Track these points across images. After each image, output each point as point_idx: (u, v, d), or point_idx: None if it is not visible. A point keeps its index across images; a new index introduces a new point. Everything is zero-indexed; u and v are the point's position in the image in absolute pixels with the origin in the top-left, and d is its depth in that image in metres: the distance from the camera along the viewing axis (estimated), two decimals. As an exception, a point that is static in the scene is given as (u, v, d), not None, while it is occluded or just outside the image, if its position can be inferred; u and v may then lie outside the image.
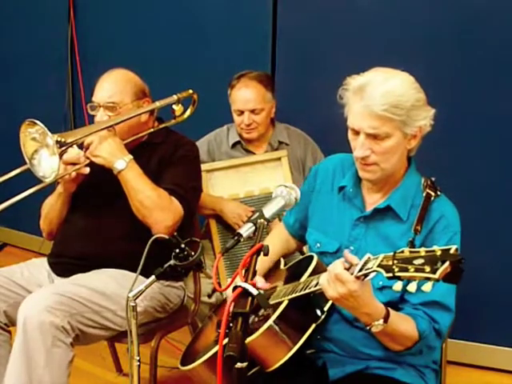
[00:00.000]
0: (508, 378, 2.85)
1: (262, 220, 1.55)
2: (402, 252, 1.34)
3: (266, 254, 1.47)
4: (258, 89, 2.75)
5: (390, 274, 1.32)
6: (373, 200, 1.77)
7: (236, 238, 1.52)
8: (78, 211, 2.31)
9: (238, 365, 1.28)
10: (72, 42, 3.73)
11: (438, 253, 1.28)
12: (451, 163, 2.79)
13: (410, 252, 1.33)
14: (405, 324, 1.61)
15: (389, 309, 1.56)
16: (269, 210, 1.59)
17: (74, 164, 2.17)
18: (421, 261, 1.28)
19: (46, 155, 2.06)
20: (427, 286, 1.25)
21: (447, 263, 1.24)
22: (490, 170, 2.76)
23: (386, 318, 1.54)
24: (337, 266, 1.48)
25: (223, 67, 3.13)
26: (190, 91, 2.44)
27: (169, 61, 3.37)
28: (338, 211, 1.81)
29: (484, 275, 2.82)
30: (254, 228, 1.54)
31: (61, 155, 2.03)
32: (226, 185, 2.76)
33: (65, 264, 2.27)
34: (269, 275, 1.93)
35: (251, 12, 3.16)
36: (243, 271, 1.43)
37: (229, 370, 1.30)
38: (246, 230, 1.53)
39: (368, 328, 1.55)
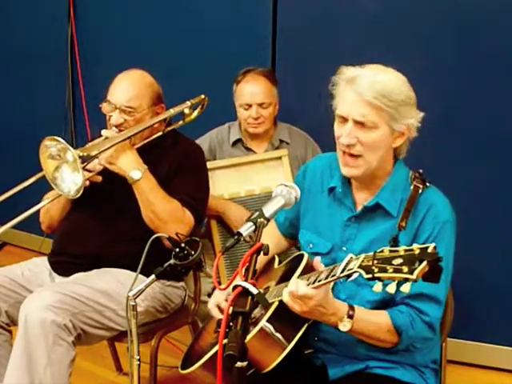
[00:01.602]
0: (509, 378, 2.85)
1: (262, 219, 1.55)
2: (382, 251, 1.34)
3: (266, 254, 1.47)
4: (266, 83, 2.79)
5: (370, 275, 1.31)
6: (362, 199, 1.76)
7: (236, 237, 1.52)
8: (81, 210, 2.30)
9: (238, 364, 1.28)
10: (72, 42, 3.73)
11: (416, 252, 1.27)
12: (451, 163, 2.79)
13: (390, 251, 1.32)
14: (376, 319, 1.62)
15: (355, 306, 1.58)
16: (268, 209, 1.58)
17: (88, 171, 2.16)
18: (399, 260, 1.28)
19: (67, 171, 2.05)
20: (406, 287, 1.25)
21: (424, 263, 1.24)
22: (490, 170, 2.76)
23: (351, 316, 1.56)
24: (293, 286, 1.52)
25: (223, 67, 3.13)
26: (202, 96, 2.44)
27: (169, 60, 3.36)
28: (329, 212, 1.80)
29: (484, 274, 2.82)
30: (253, 227, 1.53)
31: (84, 169, 2.02)
32: (226, 183, 2.76)
33: (66, 263, 2.27)
34: (262, 274, 1.93)
35: (251, 12, 3.16)
36: (243, 270, 1.43)
37: (229, 370, 1.29)
38: (245, 229, 1.52)
39: (337, 328, 1.56)
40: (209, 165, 2.73)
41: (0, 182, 2.27)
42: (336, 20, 2.95)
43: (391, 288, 1.27)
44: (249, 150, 2.87)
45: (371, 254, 1.35)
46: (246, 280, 1.39)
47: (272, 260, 1.97)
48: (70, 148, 1.98)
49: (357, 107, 1.62)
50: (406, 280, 1.25)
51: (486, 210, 2.79)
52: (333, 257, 1.77)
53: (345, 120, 1.66)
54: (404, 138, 1.68)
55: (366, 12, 2.87)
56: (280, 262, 1.96)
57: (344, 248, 1.75)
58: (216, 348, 1.68)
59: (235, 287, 1.37)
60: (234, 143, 2.87)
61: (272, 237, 2.01)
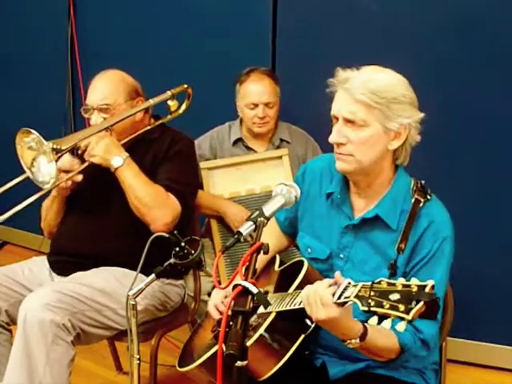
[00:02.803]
0: (508, 377, 2.85)
1: (262, 218, 1.54)
2: (380, 283, 1.31)
3: (266, 253, 1.47)
4: (271, 82, 2.79)
5: (366, 308, 1.29)
6: (360, 206, 1.73)
7: (236, 236, 1.51)
8: (75, 209, 2.32)
9: (238, 363, 1.27)
10: (72, 42, 3.73)
11: (414, 289, 1.24)
12: (452, 164, 2.79)
13: (388, 284, 1.30)
14: (384, 339, 1.57)
15: (367, 327, 1.51)
16: (268, 209, 1.58)
17: (67, 171, 2.18)
18: (396, 296, 1.26)
19: (44, 162, 2.07)
20: (401, 326, 1.23)
21: (421, 304, 1.22)
22: (490, 170, 2.76)
23: (364, 337, 1.50)
24: (321, 289, 1.45)
25: (224, 66, 3.14)
26: (185, 86, 2.44)
27: (169, 59, 3.37)
28: (328, 218, 1.78)
29: (484, 274, 2.82)
30: (254, 226, 1.53)
31: (57, 162, 2.04)
32: (227, 183, 2.76)
33: (64, 262, 2.27)
34: (262, 275, 1.91)
35: (251, 12, 3.16)
36: (243, 269, 1.43)
37: (228, 369, 1.29)
38: (245, 228, 1.52)
39: (344, 343, 1.52)
40: (209, 164, 2.74)
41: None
42: (336, 20, 2.95)
43: (386, 324, 1.26)
44: (249, 149, 2.87)
45: (368, 283, 1.33)
46: (245, 279, 1.38)
47: (273, 260, 1.95)
48: (43, 140, 2.01)
49: (346, 105, 1.61)
50: (402, 319, 1.23)
51: (486, 210, 2.79)
52: (330, 263, 1.76)
53: (337, 120, 1.65)
54: (401, 139, 1.64)
55: (366, 12, 2.86)
56: (281, 263, 1.95)
57: (341, 255, 1.73)
58: (215, 347, 1.68)
59: (235, 286, 1.36)
60: (235, 142, 2.87)
61: (273, 234, 1.99)
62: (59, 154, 2.04)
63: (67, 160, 2.19)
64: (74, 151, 2.23)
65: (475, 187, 2.78)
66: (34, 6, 3.88)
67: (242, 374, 1.29)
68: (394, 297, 1.26)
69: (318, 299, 1.44)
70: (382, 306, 1.27)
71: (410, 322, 1.22)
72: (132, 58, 3.31)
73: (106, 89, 2.27)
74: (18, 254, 4.04)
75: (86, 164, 2.20)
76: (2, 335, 2.18)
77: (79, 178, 2.20)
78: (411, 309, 1.22)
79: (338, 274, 1.50)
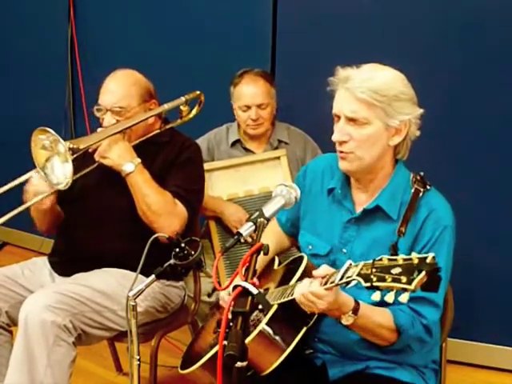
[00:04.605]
0: (508, 378, 2.85)
1: (262, 219, 1.54)
2: (381, 260, 1.33)
3: (266, 253, 1.47)
4: (264, 84, 2.78)
5: (369, 284, 1.31)
6: (362, 200, 1.75)
7: (236, 237, 1.52)
8: (77, 210, 2.31)
9: (238, 364, 1.27)
10: (72, 42, 3.73)
11: (415, 261, 1.26)
12: (451, 163, 2.78)
13: (389, 260, 1.31)
14: (378, 316, 1.61)
15: (360, 302, 1.57)
16: (268, 209, 1.58)
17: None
18: (398, 270, 1.27)
19: (58, 162, 2.05)
20: (404, 297, 1.24)
21: (423, 273, 1.23)
22: (491, 169, 2.76)
23: (356, 311, 1.55)
24: (309, 289, 1.51)
25: (223, 67, 3.13)
26: (198, 92, 2.45)
27: (169, 60, 3.37)
28: (329, 213, 1.80)
29: (484, 274, 2.82)
30: (253, 227, 1.53)
31: (74, 162, 2.02)
32: (225, 184, 2.76)
33: (65, 263, 2.27)
34: (262, 275, 1.92)
35: (251, 12, 3.15)
36: (243, 270, 1.43)
37: (229, 370, 1.29)
38: (245, 229, 1.52)
39: (339, 321, 1.56)
40: (207, 166, 2.73)
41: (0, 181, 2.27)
42: (336, 20, 2.95)
43: (389, 297, 1.27)
44: (247, 150, 2.87)
45: (370, 261, 1.35)
46: (245, 280, 1.38)
47: (272, 261, 1.96)
48: (61, 139, 2.00)
49: (348, 104, 1.63)
50: (405, 290, 1.24)
51: (486, 210, 2.79)
52: (332, 259, 1.76)
53: (339, 118, 1.67)
54: (401, 135, 1.67)
55: (366, 12, 2.86)
56: (280, 263, 1.95)
57: (344, 250, 1.74)
58: (216, 348, 1.68)
59: (235, 287, 1.36)
60: (233, 144, 2.87)
61: (274, 235, 2.00)
62: (75, 155, 2.02)
63: (38, 182, 2.10)
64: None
65: (475, 187, 2.78)
66: (34, 6, 3.88)
67: (242, 375, 1.29)
68: (396, 271, 1.28)
69: (311, 297, 1.50)
70: (385, 280, 1.28)
71: (413, 291, 1.24)
72: (132, 58, 3.29)
73: (120, 91, 2.25)
74: (18, 254, 4.04)
75: (95, 165, 2.20)
76: (3, 336, 2.18)
77: (47, 203, 2.14)
78: (413, 279, 1.23)
79: (314, 272, 1.55)
